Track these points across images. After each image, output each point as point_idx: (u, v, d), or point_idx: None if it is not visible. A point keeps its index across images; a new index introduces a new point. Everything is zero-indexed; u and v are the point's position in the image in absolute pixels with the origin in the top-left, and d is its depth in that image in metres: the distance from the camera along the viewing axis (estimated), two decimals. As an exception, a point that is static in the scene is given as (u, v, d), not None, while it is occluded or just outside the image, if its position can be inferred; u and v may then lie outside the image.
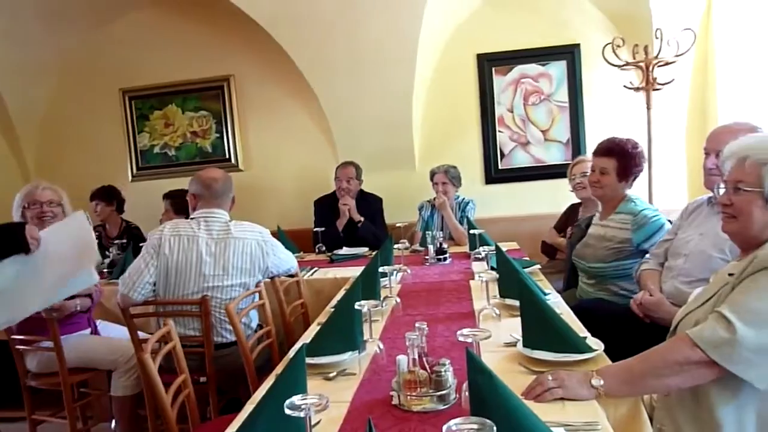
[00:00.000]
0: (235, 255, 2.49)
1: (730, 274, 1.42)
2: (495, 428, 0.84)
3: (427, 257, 3.29)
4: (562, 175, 3.78)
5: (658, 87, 3.74)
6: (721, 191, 1.49)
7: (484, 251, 2.81)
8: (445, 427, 0.85)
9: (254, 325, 2.63)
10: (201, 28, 4.63)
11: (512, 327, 1.85)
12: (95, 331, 2.93)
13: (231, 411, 1.94)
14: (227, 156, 4.74)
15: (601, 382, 1.34)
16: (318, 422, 1.33)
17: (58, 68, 4.80)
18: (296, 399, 0.98)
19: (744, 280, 1.32)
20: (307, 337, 1.99)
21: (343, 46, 4.02)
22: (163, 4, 4.63)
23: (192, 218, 2.58)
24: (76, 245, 2.38)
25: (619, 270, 2.63)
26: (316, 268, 3.32)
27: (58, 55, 4.72)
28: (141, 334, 2.54)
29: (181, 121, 4.80)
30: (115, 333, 3.00)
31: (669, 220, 2.57)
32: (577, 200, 3.56)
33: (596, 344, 1.63)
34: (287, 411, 0.96)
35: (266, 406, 1.15)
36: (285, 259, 2.71)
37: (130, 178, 4.85)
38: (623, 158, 2.64)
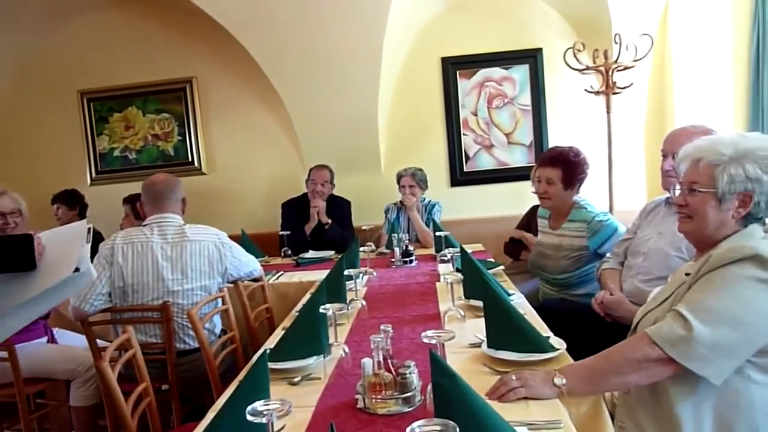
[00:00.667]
0: (192, 257, 2.46)
1: (686, 274, 1.46)
2: (458, 429, 0.84)
3: (393, 260, 3.29)
4: (526, 178, 3.81)
5: (617, 91, 3.82)
6: (677, 192, 1.52)
7: (449, 253, 2.83)
8: (408, 430, 0.85)
9: (218, 330, 2.59)
10: (162, 28, 4.55)
11: (477, 328, 1.87)
12: (52, 340, 2.84)
13: (195, 419, 1.91)
14: (190, 159, 4.66)
15: (564, 381, 1.36)
16: (282, 428, 1.32)
17: (12, 69, 4.65)
18: (258, 405, 0.97)
19: (699, 279, 1.36)
20: (272, 342, 1.96)
21: (307, 49, 3.99)
22: (122, 5, 4.53)
23: (144, 225, 2.53)
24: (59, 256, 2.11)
25: (582, 277, 2.70)
26: (281, 272, 3.29)
27: (11, 56, 4.58)
28: (101, 343, 2.48)
29: (142, 123, 4.70)
30: (73, 341, 2.91)
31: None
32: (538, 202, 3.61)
33: (559, 343, 1.66)
34: (249, 417, 0.95)
35: (228, 413, 1.13)
36: (246, 262, 2.68)
37: (88, 182, 4.72)
38: (567, 167, 2.70)
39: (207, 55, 4.54)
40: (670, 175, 2.19)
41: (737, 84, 3.58)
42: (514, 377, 1.39)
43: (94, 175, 4.76)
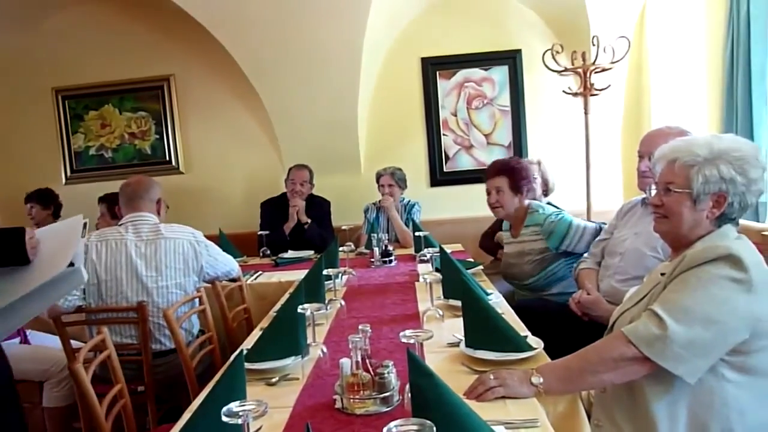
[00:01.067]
0: (167, 255, 2.44)
1: (662, 274, 1.47)
2: (435, 428, 0.84)
3: (372, 260, 3.28)
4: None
5: (595, 92, 3.86)
6: (653, 192, 1.54)
7: (428, 253, 2.84)
8: (384, 429, 0.85)
9: (195, 331, 2.56)
10: (140, 25, 4.49)
11: (456, 327, 1.87)
12: (25, 340, 2.79)
13: (171, 420, 1.88)
14: (167, 158, 4.61)
15: (541, 380, 1.36)
16: (259, 428, 1.30)
17: (-16, 65, 4.55)
18: (234, 405, 0.95)
19: (674, 279, 1.37)
20: (250, 342, 1.94)
21: (287, 48, 3.97)
22: (98, 1, 4.45)
23: (120, 224, 2.52)
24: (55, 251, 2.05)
25: (549, 277, 2.76)
26: (260, 272, 3.26)
27: (-16, 52, 4.49)
28: (76, 344, 2.44)
29: (119, 121, 4.63)
30: (46, 342, 2.85)
31: (604, 223, 2.66)
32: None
33: (536, 343, 1.67)
34: (224, 418, 0.94)
35: (203, 414, 1.12)
36: (222, 261, 2.65)
37: (63, 180, 4.64)
38: (511, 173, 2.82)
39: (185, 52, 4.49)
40: (647, 176, 2.22)
41: (712, 86, 3.64)
42: (492, 376, 1.39)
43: (69, 173, 4.68)
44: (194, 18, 3.88)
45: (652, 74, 4.08)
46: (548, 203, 3.18)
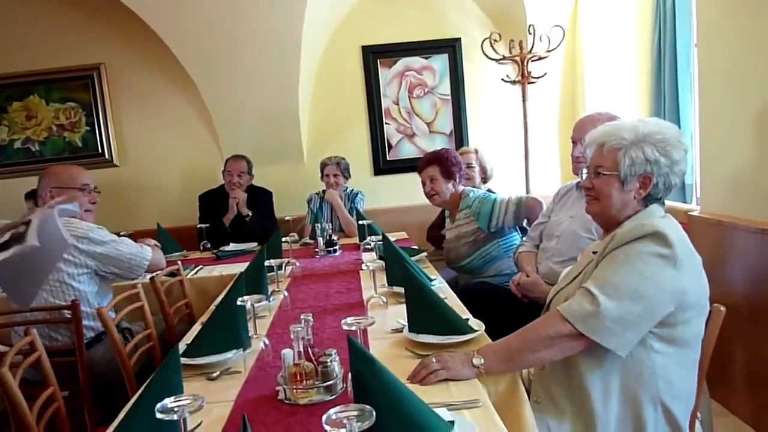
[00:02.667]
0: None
1: (594, 252, 1.53)
2: (374, 413, 0.84)
3: (316, 250, 3.26)
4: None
5: (532, 80, 3.94)
6: (584, 176, 1.59)
7: (372, 241, 2.84)
8: (324, 417, 0.84)
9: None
10: (66, 11, 4.26)
11: (399, 314, 1.88)
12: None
13: (110, 423, 1.81)
14: (100, 151, 4.42)
15: (482, 361, 1.39)
16: (199, 424, 1.27)
17: None
18: (168, 401, 0.92)
19: (605, 257, 1.42)
20: (190, 337, 1.89)
21: (223, 36, 3.86)
22: (19, -15, 4.21)
23: None
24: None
25: (484, 257, 2.83)
26: (200, 266, 3.18)
27: None
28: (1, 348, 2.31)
29: (46, 113, 4.40)
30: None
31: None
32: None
33: (477, 325, 1.70)
34: (159, 415, 0.90)
35: (137, 413, 1.07)
36: (123, 251, 2.44)
37: (-14, 176, 4.38)
38: (441, 161, 2.91)
39: (116, 40, 4.30)
40: (580, 161, 2.29)
41: (641, 73, 3.78)
42: (434, 360, 1.40)
43: (-9, 168, 4.42)
44: (125, 4, 3.72)
45: (586, 62, 4.20)
46: (488, 190, 3.24)
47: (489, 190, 3.19)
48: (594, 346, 1.36)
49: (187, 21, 3.80)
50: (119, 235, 3.47)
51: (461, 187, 2.95)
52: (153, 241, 2.86)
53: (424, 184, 2.97)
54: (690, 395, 1.47)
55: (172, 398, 0.93)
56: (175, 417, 0.90)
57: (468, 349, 1.49)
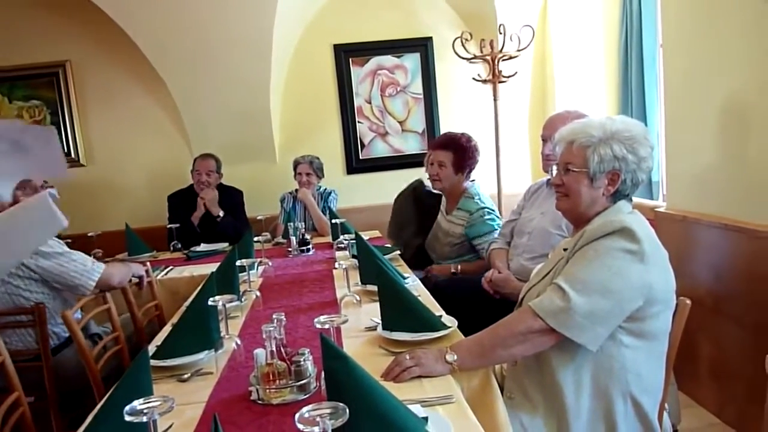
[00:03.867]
0: None
1: (564, 249, 1.55)
2: (348, 411, 0.83)
3: (289, 249, 3.23)
4: (420, 165, 3.88)
5: (503, 79, 3.98)
6: (554, 173, 1.61)
7: (345, 240, 2.83)
8: (297, 415, 0.83)
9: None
10: (29, 7, 4.14)
11: (373, 312, 1.88)
12: None
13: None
14: (66, 150, 4.29)
15: (455, 357, 1.40)
16: (170, 426, 1.25)
17: None
18: (137, 403, 0.90)
19: (575, 253, 1.45)
20: (160, 339, 1.86)
21: (193, 34, 3.80)
22: (-21, -21, 4.09)
23: None
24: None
25: (463, 260, 2.83)
26: (170, 267, 3.13)
27: None
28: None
29: (9, 111, 4.27)
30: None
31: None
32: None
33: (450, 322, 1.71)
34: (127, 417, 0.89)
35: (105, 417, 1.05)
36: (68, 269, 2.27)
37: (-55, 177, 4.24)
38: (458, 151, 2.84)
39: (82, 36, 4.20)
40: (550, 159, 2.32)
41: (609, 73, 3.85)
42: (407, 357, 1.41)
43: (-48, 169, 4.27)
44: (91, 0, 3.63)
45: (555, 62, 4.26)
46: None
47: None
48: (565, 341, 1.38)
49: (155, 17, 3.73)
50: (87, 236, 3.41)
51: (467, 183, 2.88)
52: (143, 268, 2.73)
53: (431, 165, 2.89)
54: (658, 388, 1.50)
55: (141, 400, 0.91)
56: (145, 419, 0.89)
57: (441, 346, 1.50)
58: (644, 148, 1.48)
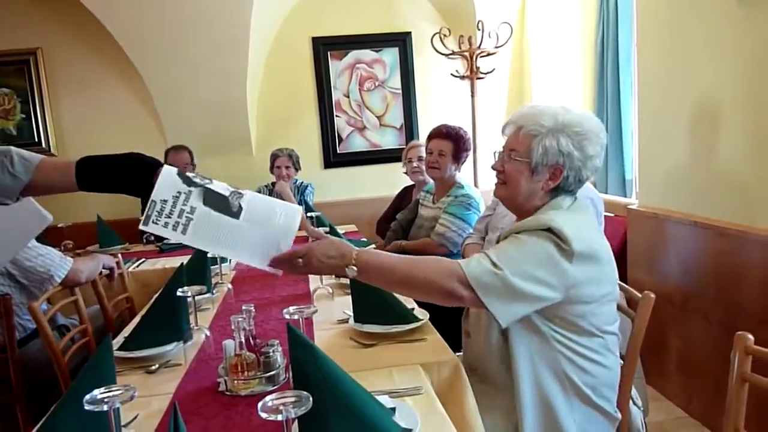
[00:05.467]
0: None
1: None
2: (311, 399, 0.83)
3: (264, 242, 3.20)
4: (398, 159, 3.90)
5: (481, 76, 4.00)
6: (497, 156, 1.54)
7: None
8: (260, 404, 0.83)
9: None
10: (-2, -8, 4.05)
11: (346, 305, 1.88)
12: None
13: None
14: (37, 139, 4.22)
15: (355, 272, 1.32)
16: (135, 417, 1.23)
17: None
18: (97, 392, 0.89)
19: (507, 237, 1.41)
20: (129, 331, 1.83)
21: (168, 24, 3.74)
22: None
23: None
24: None
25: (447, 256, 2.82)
26: (143, 260, 3.09)
27: None
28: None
29: (-23, 99, 4.19)
30: None
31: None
32: (410, 183, 3.70)
33: (422, 314, 1.71)
34: (87, 406, 0.87)
35: (66, 407, 1.03)
36: (35, 264, 2.22)
37: None
38: (458, 141, 2.86)
39: (54, 23, 4.12)
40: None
41: (585, 71, 3.88)
42: (300, 261, 1.31)
43: None
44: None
45: (533, 59, 4.29)
46: None
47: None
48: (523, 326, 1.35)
49: (129, 6, 3.66)
50: (58, 227, 3.34)
51: (458, 175, 2.91)
52: (114, 259, 2.66)
53: (430, 153, 2.89)
54: (613, 382, 1.47)
55: (101, 389, 0.89)
56: (105, 408, 0.87)
57: (413, 339, 1.50)
58: (593, 146, 1.41)
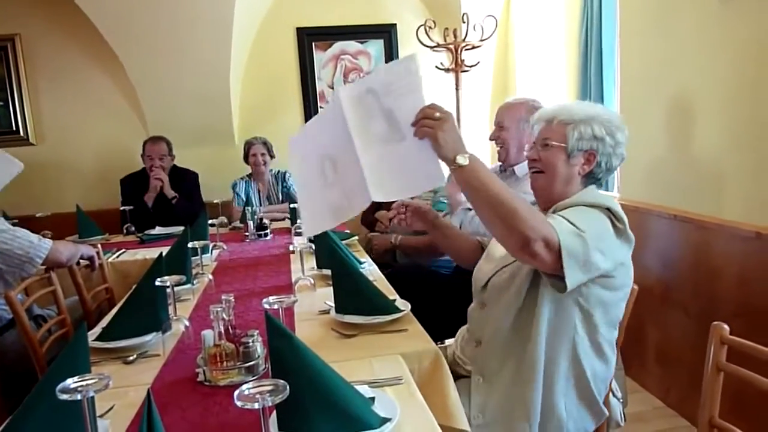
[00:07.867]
0: None
1: None
2: (288, 387, 0.82)
3: (246, 234, 3.19)
4: (381, 151, 3.89)
5: (466, 69, 3.99)
6: (530, 151, 1.57)
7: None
8: (236, 393, 0.82)
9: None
10: (-26, -23, 3.96)
11: (328, 296, 1.86)
12: None
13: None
14: (14, 128, 4.14)
15: (466, 163, 1.27)
16: (111, 408, 1.22)
17: None
18: (71, 381, 0.87)
19: (558, 212, 1.40)
20: (107, 321, 1.81)
21: (148, 9, 3.66)
22: None
23: None
24: None
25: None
26: (123, 250, 3.05)
27: None
28: None
29: (-49, 86, 4.09)
30: None
31: None
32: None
33: (404, 305, 1.71)
34: (60, 396, 0.85)
35: (39, 397, 1.01)
36: (13, 246, 2.11)
37: None
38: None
39: (33, 10, 4.03)
40: (498, 144, 2.37)
41: (569, 66, 3.90)
42: (437, 114, 1.30)
43: None
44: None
45: (517, 53, 4.29)
46: None
47: None
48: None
49: (109, -7, 3.61)
50: (35, 217, 3.29)
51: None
52: (94, 249, 2.59)
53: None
54: (608, 379, 1.55)
55: (75, 378, 0.88)
56: (78, 397, 0.86)
57: (394, 329, 1.50)
58: (621, 133, 1.49)
